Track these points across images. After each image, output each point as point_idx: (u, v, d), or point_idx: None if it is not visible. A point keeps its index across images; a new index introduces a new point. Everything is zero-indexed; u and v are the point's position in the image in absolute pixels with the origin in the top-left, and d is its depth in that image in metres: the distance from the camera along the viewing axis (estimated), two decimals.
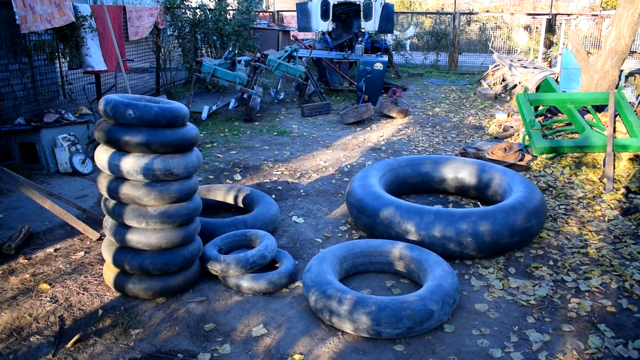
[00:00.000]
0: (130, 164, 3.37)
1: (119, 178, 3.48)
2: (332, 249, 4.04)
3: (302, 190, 5.94)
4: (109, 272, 3.76)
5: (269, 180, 6.23)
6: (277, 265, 4.16)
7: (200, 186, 5.24)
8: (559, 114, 8.00)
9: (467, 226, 4.19)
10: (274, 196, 5.72)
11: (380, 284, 4.03)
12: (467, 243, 4.20)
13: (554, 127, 7.66)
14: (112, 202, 3.57)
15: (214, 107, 9.47)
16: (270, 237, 4.17)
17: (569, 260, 4.31)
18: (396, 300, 3.32)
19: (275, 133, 8.51)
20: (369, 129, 8.99)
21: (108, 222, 3.68)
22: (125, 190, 3.44)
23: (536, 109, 7.73)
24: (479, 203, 5.48)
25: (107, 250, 3.70)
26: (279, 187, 6.01)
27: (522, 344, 3.30)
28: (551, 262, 4.31)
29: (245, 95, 9.49)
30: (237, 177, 6.30)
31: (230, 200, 5.19)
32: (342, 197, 5.75)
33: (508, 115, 9.24)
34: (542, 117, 8.03)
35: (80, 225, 4.41)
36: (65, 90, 8.24)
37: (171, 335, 3.40)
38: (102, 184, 3.54)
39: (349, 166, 6.83)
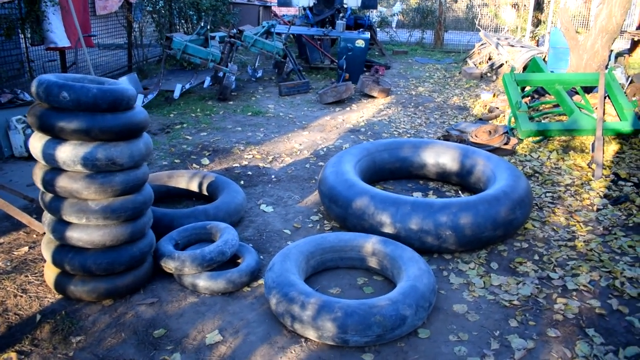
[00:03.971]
0: (67, 153, 2.98)
1: (55, 169, 3.09)
2: (298, 244, 3.69)
3: (273, 176, 5.57)
4: (50, 272, 3.38)
5: (238, 165, 5.85)
6: (239, 261, 3.81)
7: (161, 172, 4.86)
8: (547, 95, 7.68)
9: (447, 218, 3.87)
10: (242, 182, 5.35)
11: (351, 282, 3.70)
12: (447, 237, 3.87)
13: (541, 109, 7.34)
14: (49, 196, 3.18)
15: (187, 86, 9.01)
16: (232, 230, 3.81)
17: (556, 255, 4.01)
18: (365, 305, 2.99)
19: (249, 113, 8.09)
20: (348, 109, 8.60)
21: (46, 217, 3.30)
22: (62, 182, 3.05)
23: (523, 89, 7.40)
24: (460, 192, 5.15)
25: (46, 248, 3.33)
26: (249, 173, 5.63)
27: (504, 352, 3.00)
28: (536, 257, 4.00)
29: (220, 74, 9.05)
30: (205, 161, 5.91)
31: (194, 187, 4.81)
32: (315, 183, 5.40)
33: (494, 96, 8.90)
34: (529, 98, 7.71)
35: (24, 218, 4.00)
36: (25, 68, 7.73)
37: (116, 342, 3.05)
38: (37, 175, 3.14)
39: (325, 149, 6.46)
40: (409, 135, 7.07)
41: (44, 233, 4.07)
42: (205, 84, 9.41)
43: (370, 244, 3.74)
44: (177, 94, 8.64)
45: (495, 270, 3.85)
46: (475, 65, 12.08)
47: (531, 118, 6.71)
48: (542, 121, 6.83)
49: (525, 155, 6.08)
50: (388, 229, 3.97)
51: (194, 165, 5.79)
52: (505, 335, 3.14)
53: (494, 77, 11.05)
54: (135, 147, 3.16)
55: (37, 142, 3.07)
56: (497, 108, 8.01)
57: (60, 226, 3.18)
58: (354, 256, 3.78)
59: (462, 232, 3.87)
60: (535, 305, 3.43)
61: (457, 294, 3.56)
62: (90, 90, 2.93)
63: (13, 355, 2.93)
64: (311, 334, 3.00)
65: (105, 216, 3.13)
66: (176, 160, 5.90)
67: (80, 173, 3.05)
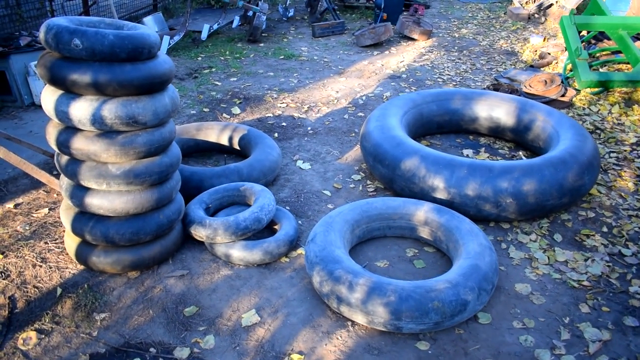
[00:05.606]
0: (82, 110, 2.60)
1: (70, 128, 2.72)
2: (342, 211, 3.31)
3: (309, 128, 5.15)
4: (70, 240, 3.08)
5: (272, 115, 5.42)
6: (275, 227, 3.47)
7: (189, 124, 4.48)
8: (605, 41, 6.97)
9: (508, 184, 3.43)
10: (276, 135, 4.95)
11: (400, 253, 3.34)
12: (507, 205, 3.45)
13: (598, 56, 6.67)
14: (65, 158, 2.83)
15: (215, 26, 8.49)
16: (268, 193, 3.44)
17: (626, 227, 3.56)
18: (421, 288, 2.63)
19: (281, 56, 7.58)
20: (387, 52, 8.01)
21: (64, 181, 2.96)
22: (79, 143, 2.69)
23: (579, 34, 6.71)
24: (521, 153, 4.63)
25: (65, 215, 3.01)
26: (283, 124, 5.21)
27: (576, 344, 2.63)
28: (605, 229, 3.57)
29: (249, 13, 8.49)
30: (236, 110, 5.49)
31: (224, 141, 4.43)
32: (355, 137, 4.97)
33: (544, 40, 8.18)
34: (585, 44, 7.01)
35: (43, 176, 3.68)
36: (46, 7, 7.30)
37: (144, 321, 2.77)
38: (51, 134, 2.78)
39: (364, 98, 5.98)
40: (454, 83, 6.53)
41: None
42: (234, 24, 8.87)
43: (422, 212, 3.34)
44: (204, 35, 8.14)
45: (560, 243, 3.44)
46: (521, 4, 11.21)
47: (590, 67, 6.09)
48: (601, 70, 6.20)
49: (584, 109, 5.52)
50: (441, 194, 3.56)
51: (224, 115, 5.39)
52: (577, 323, 2.76)
53: (543, 19, 10.23)
54: (160, 103, 2.76)
55: (48, 97, 2.70)
56: (549, 54, 7.35)
57: (78, 192, 2.85)
58: (403, 225, 3.40)
59: (525, 199, 3.44)
60: (607, 287, 3.03)
61: (519, 271, 3.17)
62: (106, 36, 2.52)
63: (32, 334, 2.68)
64: (360, 319, 2.67)
65: (128, 181, 2.78)
66: (205, 109, 5.50)
67: (97, 133, 2.69)
